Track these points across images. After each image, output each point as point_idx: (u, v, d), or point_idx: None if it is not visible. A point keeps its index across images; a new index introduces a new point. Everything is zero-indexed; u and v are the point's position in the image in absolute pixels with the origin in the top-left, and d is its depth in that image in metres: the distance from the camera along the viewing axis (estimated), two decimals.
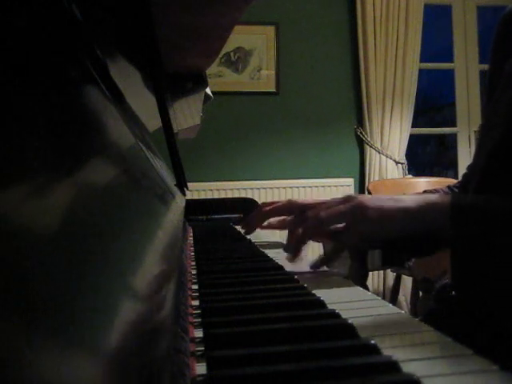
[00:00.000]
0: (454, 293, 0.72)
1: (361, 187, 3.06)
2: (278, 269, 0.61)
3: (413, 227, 0.60)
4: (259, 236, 0.97)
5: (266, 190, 2.92)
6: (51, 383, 0.12)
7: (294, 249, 0.65)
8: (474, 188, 0.69)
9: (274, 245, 0.87)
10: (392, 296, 2.61)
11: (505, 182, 0.62)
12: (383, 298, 0.47)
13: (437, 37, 3.59)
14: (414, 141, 3.21)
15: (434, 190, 0.84)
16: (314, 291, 0.47)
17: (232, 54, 2.92)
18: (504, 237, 0.56)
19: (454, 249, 0.60)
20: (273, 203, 0.79)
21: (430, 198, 0.61)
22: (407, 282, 2.78)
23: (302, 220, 0.64)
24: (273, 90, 2.97)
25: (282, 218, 0.81)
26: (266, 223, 0.83)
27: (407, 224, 0.60)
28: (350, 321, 0.36)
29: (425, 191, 0.83)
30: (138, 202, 0.38)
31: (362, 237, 0.62)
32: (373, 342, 0.31)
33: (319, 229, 0.63)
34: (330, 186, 2.98)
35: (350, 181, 3.03)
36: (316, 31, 3.02)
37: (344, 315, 0.38)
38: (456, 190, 0.82)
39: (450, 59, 3.28)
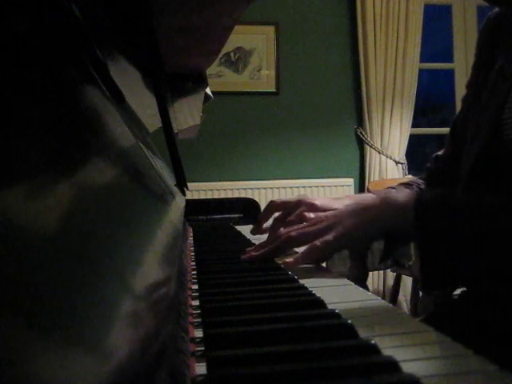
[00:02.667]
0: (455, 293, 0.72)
1: (361, 187, 3.06)
2: (277, 269, 0.61)
3: (379, 233, 0.64)
4: (259, 236, 0.97)
5: (266, 190, 2.92)
6: (51, 383, 0.12)
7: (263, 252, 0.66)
8: (460, 191, 0.70)
9: None
10: (392, 296, 2.61)
11: (491, 185, 0.63)
12: (383, 298, 0.47)
13: (437, 37, 3.58)
14: (413, 141, 3.21)
15: (408, 183, 0.85)
16: (313, 291, 0.47)
17: (232, 54, 2.92)
18: (466, 230, 0.57)
19: (419, 244, 0.61)
20: (283, 202, 0.80)
21: (390, 196, 0.63)
22: (407, 282, 2.78)
23: (277, 233, 0.67)
24: (273, 90, 2.97)
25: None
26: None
27: (374, 233, 0.63)
28: (349, 321, 0.36)
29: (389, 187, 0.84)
30: (138, 202, 0.38)
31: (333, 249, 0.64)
32: (373, 341, 0.31)
33: (289, 247, 0.67)
34: (329, 186, 2.98)
35: (350, 181, 3.03)
36: (316, 31, 3.02)
37: (344, 315, 0.38)
38: (419, 185, 0.83)
39: (450, 59, 3.28)
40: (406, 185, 0.84)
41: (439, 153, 0.85)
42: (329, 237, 0.61)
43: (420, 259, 0.60)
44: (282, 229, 0.70)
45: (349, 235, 0.62)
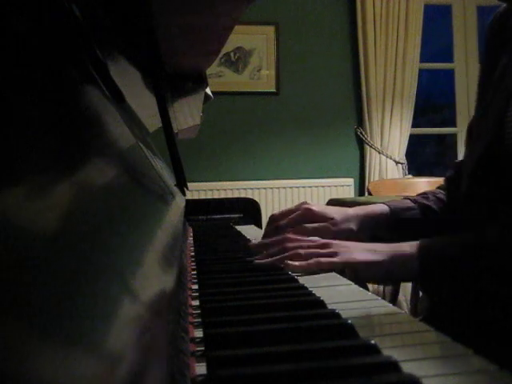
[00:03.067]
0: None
1: (361, 187, 3.06)
2: (277, 269, 0.61)
3: (385, 277, 0.66)
4: (260, 237, 0.97)
5: (266, 190, 2.92)
6: (51, 383, 0.12)
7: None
8: (463, 192, 0.70)
9: None
10: (392, 296, 2.60)
11: (492, 186, 0.64)
12: (383, 298, 0.47)
13: (437, 37, 3.58)
14: (414, 141, 3.21)
15: (424, 193, 0.85)
16: (313, 291, 0.47)
17: (232, 54, 2.92)
18: (471, 278, 0.60)
19: (425, 291, 0.63)
20: (282, 213, 0.80)
21: (399, 249, 0.65)
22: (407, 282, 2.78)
23: (282, 244, 0.67)
24: (273, 90, 2.97)
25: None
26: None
27: (381, 276, 0.65)
28: (349, 321, 0.36)
29: (418, 194, 0.85)
30: (138, 202, 0.38)
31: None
32: (373, 341, 0.31)
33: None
34: (329, 186, 2.98)
35: (350, 181, 3.03)
36: (316, 31, 3.02)
37: (344, 315, 0.38)
38: (442, 195, 0.83)
39: (450, 59, 3.28)
40: (423, 195, 0.84)
41: (459, 160, 0.86)
42: (335, 260, 0.62)
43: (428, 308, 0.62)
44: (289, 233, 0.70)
45: (353, 268, 0.63)
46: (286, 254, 0.63)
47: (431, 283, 0.63)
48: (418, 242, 0.64)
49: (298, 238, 0.68)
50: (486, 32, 0.79)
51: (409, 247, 0.64)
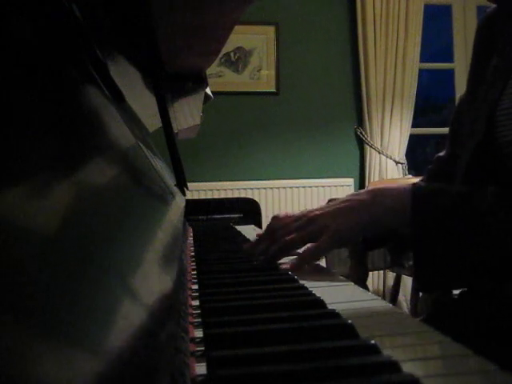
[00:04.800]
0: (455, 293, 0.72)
1: (361, 187, 3.06)
2: (277, 269, 0.61)
3: (372, 231, 0.65)
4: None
5: (266, 190, 2.92)
6: (51, 383, 0.12)
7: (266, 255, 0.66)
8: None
9: None
10: (392, 296, 2.61)
11: (485, 183, 0.63)
12: (383, 298, 0.47)
13: (437, 37, 3.58)
14: (414, 141, 3.21)
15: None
16: (313, 290, 0.47)
17: (232, 54, 2.92)
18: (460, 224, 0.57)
19: (415, 234, 0.61)
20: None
21: (388, 190, 0.63)
22: (407, 281, 2.78)
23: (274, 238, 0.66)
24: (273, 90, 2.97)
25: None
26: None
27: (367, 231, 0.65)
28: (349, 321, 0.36)
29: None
30: (138, 202, 0.38)
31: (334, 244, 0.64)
32: (373, 342, 0.31)
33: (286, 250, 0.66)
34: (329, 186, 2.99)
35: (350, 181, 3.03)
36: (316, 31, 3.02)
37: (344, 315, 0.38)
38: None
39: (450, 59, 3.28)
40: None
41: (441, 154, 0.85)
42: (322, 240, 0.62)
43: (415, 254, 0.60)
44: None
45: (341, 235, 0.63)
46: (274, 247, 0.64)
47: (422, 222, 0.60)
48: (404, 184, 0.64)
49: (283, 223, 0.68)
50: (477, 31, 0.79)
51: (396, 187, 0.63)
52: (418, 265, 0.59)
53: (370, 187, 0.67)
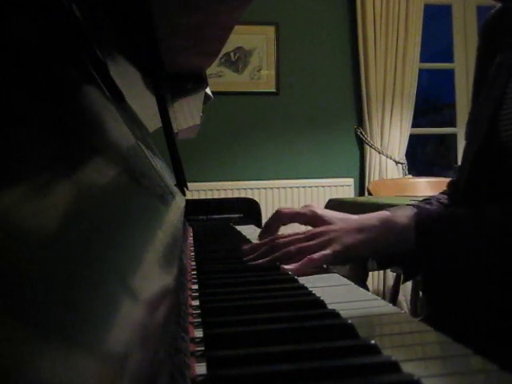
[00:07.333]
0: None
1: (361, 187, 3.06)
2: (277, 269, 0.61)
3: (376, 254, 0.66)
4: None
5: (266, 190, 2.92)
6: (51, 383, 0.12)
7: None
8: (462, 188, 0.70)
9: None
10: (392, 296, 2.61)
11: (490, 183, 0.63)
12: (383, 298, 0.47)
13: (437, 37, 3.58)
14: (414, 141, 3.21)
15: (428, 198, 0.84)
16: (313, 290, 0.47)
17: (232, 54, 2.92)
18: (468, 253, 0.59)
19: (422, 266, 0.63)
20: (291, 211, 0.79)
21: (394, 221, 0.65)
22: (407, 282, 2.78)
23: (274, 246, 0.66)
24: (273, 90, 2.97)
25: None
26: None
27: (371, 254, 0.66)
28: (349, 321, 0.36)
29: (422, 200, 0.84)
30: (138, 202, 0.38)
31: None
32: (373, 342, 0.31)
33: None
34: (329, 186, 2.99)
35: (350, 181, 3.03)
36: (316, 31, 3.02)
37: (344, 315, 0.38)
38: (445, 200, 0.82)
39: (450, 59, 3.28)
40: (427, 201, 0.83)
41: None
42: (327, 252, 0.62)
43: (423, 281, 0.61)
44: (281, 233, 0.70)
45: (346, 253, 0.63)
46: (277, 253, 0.63)
47: (426, 253, 0.61)
48: (413, 212, 0.65)
49: (287, 235, 0.67)
50: (481, 30, 0.79)
51: (404, 218, 0.64)
52: (427, 290, 0.60)
53: (379, 215, 0.67)
